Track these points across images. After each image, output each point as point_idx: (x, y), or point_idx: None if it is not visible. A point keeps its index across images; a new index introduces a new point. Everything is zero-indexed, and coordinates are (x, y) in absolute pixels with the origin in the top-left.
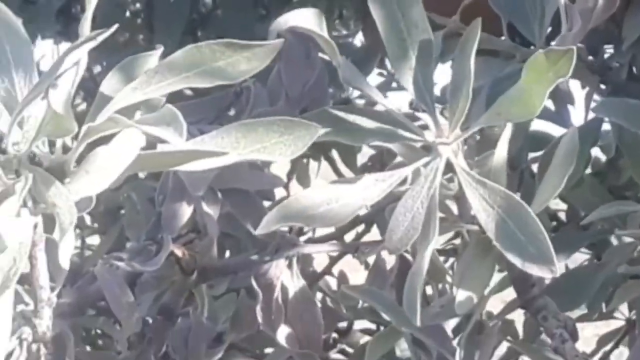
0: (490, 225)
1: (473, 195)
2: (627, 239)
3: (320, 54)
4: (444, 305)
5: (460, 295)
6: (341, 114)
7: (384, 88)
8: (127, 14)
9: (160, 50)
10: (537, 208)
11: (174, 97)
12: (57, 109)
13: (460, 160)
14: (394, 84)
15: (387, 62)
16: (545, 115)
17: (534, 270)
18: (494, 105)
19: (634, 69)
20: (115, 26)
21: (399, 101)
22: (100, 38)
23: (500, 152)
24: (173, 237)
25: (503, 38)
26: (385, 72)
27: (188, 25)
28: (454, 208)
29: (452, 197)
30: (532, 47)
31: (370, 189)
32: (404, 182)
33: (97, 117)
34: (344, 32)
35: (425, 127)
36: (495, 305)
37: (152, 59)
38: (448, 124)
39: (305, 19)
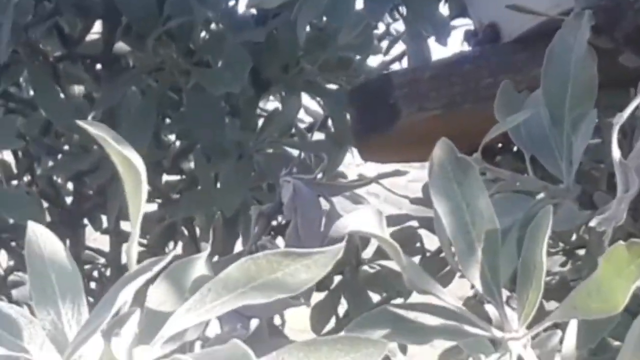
0: None
1: None
2: None
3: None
4: None
5: None
6: (401, 311)
7: None
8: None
9: (206, 252)
10: None
11: None
12: (120, 358)
13: (530, 354)
14: None
15: None
16: None
17: None
18: (569, 298)
19: None
20: None
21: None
22: (156, 268)
23: (569, 345)
24: None
25: (529, 175)
26: None
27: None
28: None
29: None
30: (560, 185)
31: None
32: None
33: (151, 343)
34: None
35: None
36: None
37: (199, 262)
38: (517, 317)
39: (365, 221)
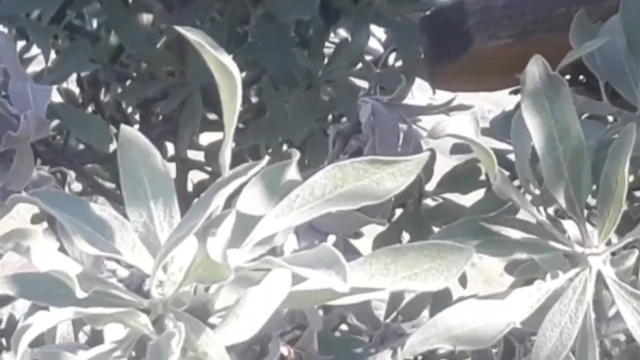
0: None
1: (626, 308)
2: None
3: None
4: None
5: None
6: (487, 224)
7: None
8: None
9: (296, 157)
10: None
11: None
12: (216, 258)
13: (609, 270)
14: None
15: None
16: None
17: None
18: None
19: None
20: None
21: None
22: (250, 173)
23: None
24: (278, 335)
25: (603, 101)
26: None
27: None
28: None
29: None
30: (638, 112)
31: (517, 305)
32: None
33: (241, 246)
34: None
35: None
36: None
37: (291, 167)
38: (597, 233)
39: (462, 125)
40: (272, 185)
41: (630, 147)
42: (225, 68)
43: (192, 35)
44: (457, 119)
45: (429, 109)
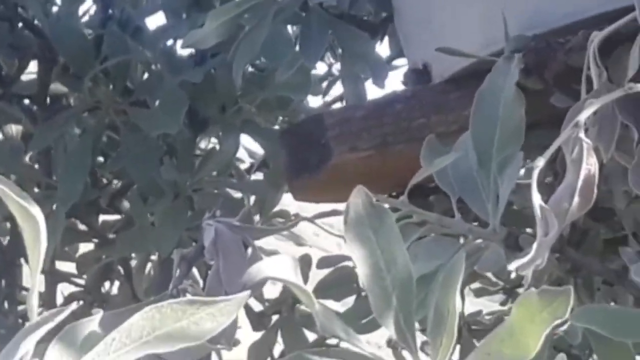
0: None
1: None
2: None
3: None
4: None
5: None
6: (316, 358)
7: None
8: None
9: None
10: None
11: None
12: None
13: None
14: None
15: None
16: None
17: None
18: (482, 344)
19: None
20: None
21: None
22: (57, 319)
23: None
24: None
25: (455, 217)
26: None
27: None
28: None
29: None
30: (488, 228)
31: None
32: None
33: None
34: None
35: None
36: None
37: (93, 324)
38: None
39: (280, 268)
40: (75, 340)
41: (460, 275)
42: (27, 213)
43: None
44: (273, 261)
45: (276, 230)
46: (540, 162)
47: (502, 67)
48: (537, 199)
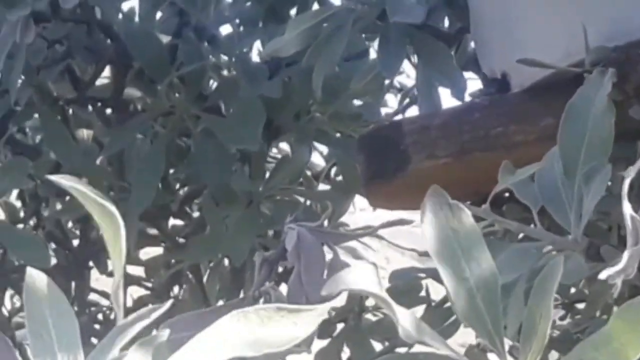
0: None
1: None
2: None
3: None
4: None
5: None
6: None
7: None
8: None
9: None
10: None
11: None
12: None
13: None
14: None
15: None
16: None
17: None
18: (575, 350)
19: None
20: None
21: None
22: (153, 315)
23: None
24: None
25: (536, 226)
26: None
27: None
28: None
29: None
30: (570, 238)
31: None
32: None
33: None
34: None
35: None
36: None
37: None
38: None
39: (361, 278)
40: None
41: (556, 281)
42: (105, 210)
43: (67, 181)
44: (354, 271)
45: (358, 235)
46: (632, 172)
47: (595, 79)
48: (628, 208)
